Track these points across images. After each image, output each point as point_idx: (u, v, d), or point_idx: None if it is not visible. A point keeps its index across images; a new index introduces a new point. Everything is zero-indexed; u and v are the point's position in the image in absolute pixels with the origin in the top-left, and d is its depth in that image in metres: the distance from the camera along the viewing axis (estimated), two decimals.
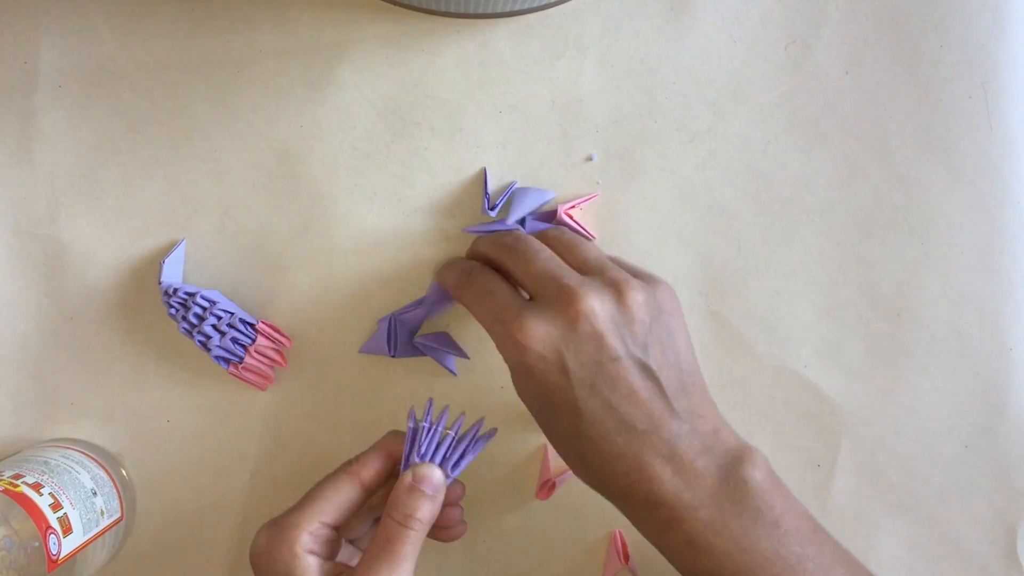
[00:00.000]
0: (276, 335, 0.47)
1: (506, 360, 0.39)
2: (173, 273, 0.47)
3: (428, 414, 0.41)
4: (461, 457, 0.40)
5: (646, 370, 0.38)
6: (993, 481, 0.48)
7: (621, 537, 0.47)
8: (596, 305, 0.38)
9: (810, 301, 0.48)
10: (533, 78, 0.48)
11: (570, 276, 0.39)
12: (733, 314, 0.48)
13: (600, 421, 0.37)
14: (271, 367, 0.47)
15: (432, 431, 0.40)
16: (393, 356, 0.47)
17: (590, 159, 0.48)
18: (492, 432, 0.42)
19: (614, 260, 0.42)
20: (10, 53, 0.48)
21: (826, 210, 0.48)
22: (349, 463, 0.41)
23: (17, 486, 0.40)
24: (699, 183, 0.48)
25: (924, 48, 0.48)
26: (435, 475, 0.39)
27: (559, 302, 0.38)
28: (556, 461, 0.47)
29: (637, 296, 0.38)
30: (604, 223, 0.48)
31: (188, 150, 0.48)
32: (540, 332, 0.37)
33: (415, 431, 0.40)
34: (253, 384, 0.47)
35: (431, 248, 0.48)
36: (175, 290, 0.45)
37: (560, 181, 0.48)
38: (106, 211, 0.48)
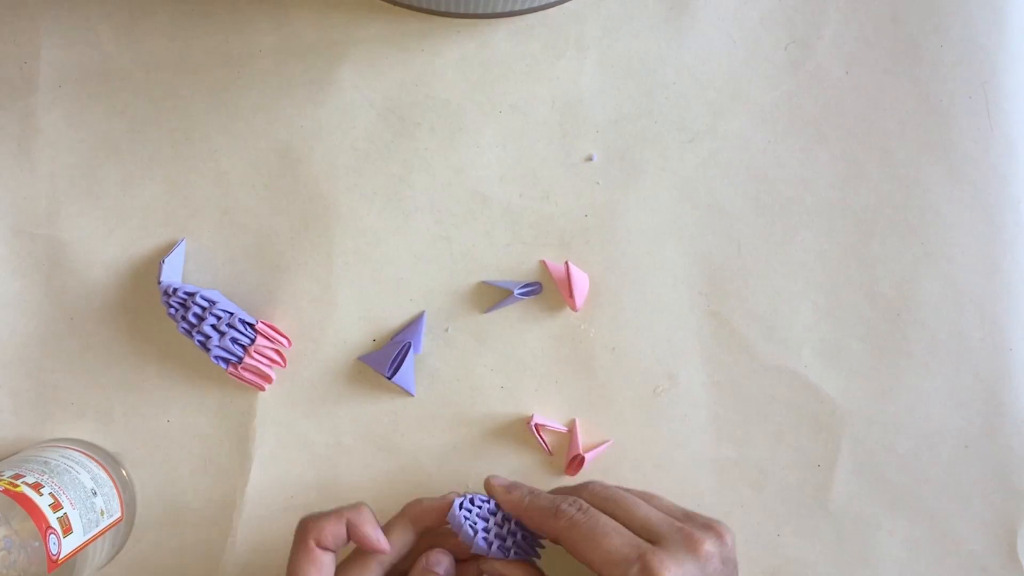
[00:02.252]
0: (275, 335, 0.47)
1: None
2: (173, 273, 0.47)
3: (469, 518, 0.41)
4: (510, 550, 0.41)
5: None
6: (993, 481, 0.48)
7: None
8: (712, 548, 0.39)
9: (810, 301, 0.48)
10: (533, 78, 0.48)
11: (678, 522, 0.40)
12: (733, 314, 0.48)
13: None
14: (271, 367, 0.47)
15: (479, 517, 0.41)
16: (388, 378, 0.46)
17: (590, 159, 0.48)
18: (533, 556, 0.43)
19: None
20: (10, 53, 0.48)
21: (826, 210, 0.48)
22: (304, 527, 0.40)
23: (17, 486, 0.40)
24: (699, 183, 0.48)
25: (924, 48, 0.48)
26: (446, 562, 0.41)
27: (685, 543, 0.38)
28: (584, 436, 0.47)
29: (728, 539, 0.40)
30: (604, 223, 0.48)
31: (188, 150, 0.48)
32: (680, 570, 0.37)
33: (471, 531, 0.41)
34: (252, 384, 0.47)
35: (431, 248, 0.48)
36: (175, 290, 0.45)
37: (560, 181, 0.48)
38: (106, 211, 0.48)
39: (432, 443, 0.48)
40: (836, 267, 0.48)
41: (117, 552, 0.47)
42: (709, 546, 0.39)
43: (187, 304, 0.45)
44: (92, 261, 0.48)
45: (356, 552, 0.41)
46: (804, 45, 0.48)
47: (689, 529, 0.39)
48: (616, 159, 0.48)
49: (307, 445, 0.48)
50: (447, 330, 0.48)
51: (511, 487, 0.42)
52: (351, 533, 0.40)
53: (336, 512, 0.40)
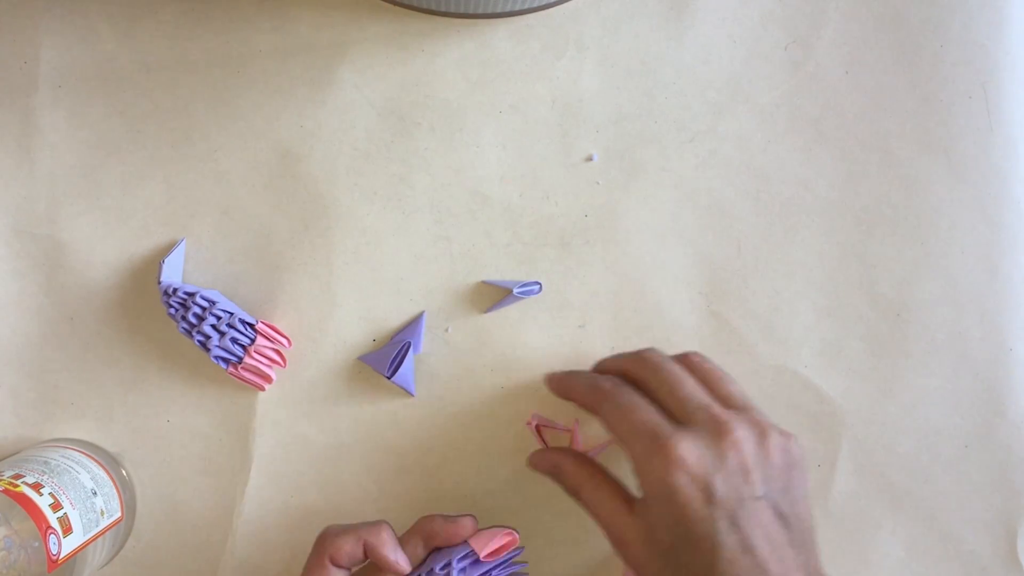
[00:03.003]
0: (275, 335, 0.47)
1: (645, 482, 0.38)
2: (173, 273, 0.47)
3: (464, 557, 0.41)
4: None
5: (782, 516, 0.37)
6: (993, 481, 0.48)
7: None
8: (745, 438, 0.37)
9: (810, 301, 0.48)
10: (533, 78, 0.48)
11: (719, 407, 0.39)
12: (733, 314, 0.48)
13: (736, 560, 0.35)
14: (271, 367, 0.47)
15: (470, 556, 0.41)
16: (388, 378, 0.46)
17: (590, 159, 0.48)
18: (522, 572, 0.43)
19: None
20: (10, 53, 0.48)
21: (826, 210, 0.48)
22: (322, 542, 0.40)
23: (17, 486, 0.40)
24: (699, 183, 0.48)
25: (924, 48, 0.48)
26: None
27: (711, 428, 0.37)
28: (585, 437, 0.47)
29: (778, 441, 0.38)
30: (604, 223, 0.48)
31: (188, 150, 0.48)
32: (694, 454, 0.36)
33: (465, 549, 0.41)
34: (252, 384, 0.47)
35: (431, 248, 0.48)
36: (175, 290, 0.45)
37: (560, 181, 0.48)
38: (106, 211, 0.48)
39: (432, 443, 0.48)
40: (836, 267, 0.48)
41: (117, 552, 0.47)
42: (741, 434, 0.37)
43: (187, 304, 0.45)
44: (92, 261, 0.48)
45: (371, 567, 0.41)
46: (804, 45, 0.48)
47: (723, 416, 0.38)
48: (616, 159, 0.48)
49: (307, 445, 0.48)
50: (447, 330, 0.48)
51: (568, 375, 0.44)
52: (368, 554, 0.40)
53: (355, 531, 0.40)
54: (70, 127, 0.48)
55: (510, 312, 0.48)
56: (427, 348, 0.48)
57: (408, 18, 0.48)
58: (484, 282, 0.48)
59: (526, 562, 0.43)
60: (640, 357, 0.42)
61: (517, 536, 0.42)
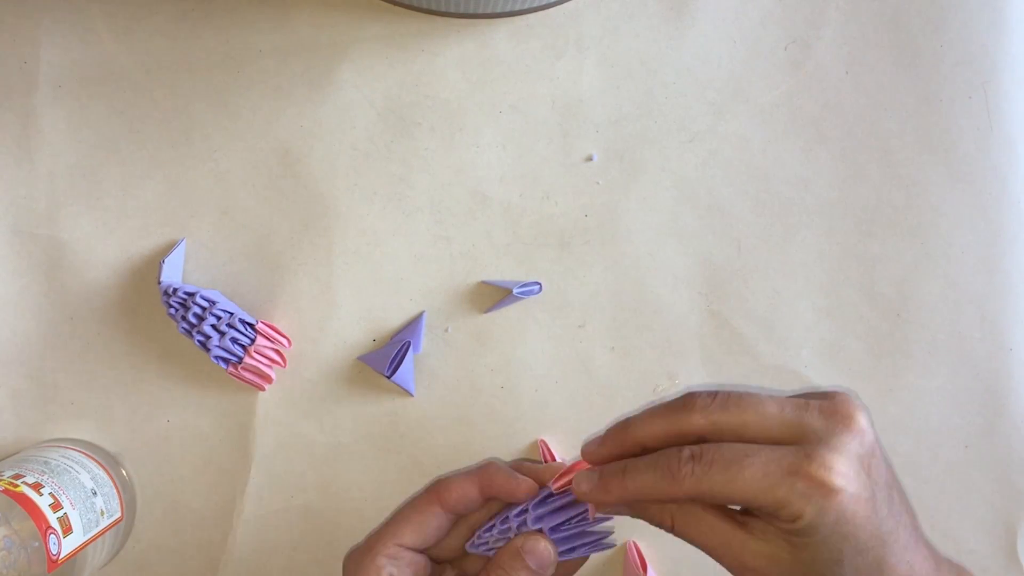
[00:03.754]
0: (275, 335, 0.47)
1: (798, 517, 0.31)
2: (173, 273, 0.47)
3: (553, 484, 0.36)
4: (573, 548, 0.36)
5: (902, 489, 0.33)
6: (993, 481, 0.48)
7: (637, 548, 0.47)
8: (864, 415, 0.32)
9: (810, 301, 0.48)
10: (533, 78, 0.48)
11: (813, 402, 0.33)
12: (733, 314, 0.48)
13: (904, 547, 0.32)
14: (271, 367, 0.47)
15: (558, 499, 0.36)
16: (388, 377, 0.46)
17: (590, 159, 0.48)
18: (610, 543, 0.37)
19: None
20: (10, 53, 0.48)
21: (826, 210, 0.48)
22: (435, 484, 0.37)
23: (17, 486, 0.40)
24: (699, 183, 0.48)
25: (924, 48, 0.48)
26: (545, 552, 0.36)
27: (839, 422, 0.32)
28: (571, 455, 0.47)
29: (857, 405, 0.33)
30: (604, 223, 0.48)
31: (188, 150, 0.48)
32: (845, 461, 0.31)
33: (546, 494, 0.36)
34: (252, 384, 0.47)
35: (431, 248, 0.48)
36: (175, 290, 0.45)
37: (560, 181, 0.48)
38: (106, 211, 0.48)
39: (432, 443, 0.48)
40: (836, 267, 0.48)
41: (117, 552, 0.47)
42: (862, 417, 0.32)
43: (187, 304, 0.45)
44: (92, 261, 0.48)
45: (423, 494, 0.38)
46: (804, 45, 0.48)
47: (832, 405, 0.32)
48: (616, 159, 0.48)
49: (307, 445, 0.48)
50: (447, 330, 0.48)
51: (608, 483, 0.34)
52: (486, 488, 0.37)
53: (466, 473, 0.37)
54: (70, 127, 0.48)
55: (510, 312, 0.48)
56: (427, 348, 0.48)
57: (408, 18, 0.48)
58: (484, 282, 0.48)
59: (612, 532, 0.38)
60: (689, 406, 0.34)
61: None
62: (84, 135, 0.48)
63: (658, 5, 0.48)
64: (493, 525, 0.37)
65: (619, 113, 0.48)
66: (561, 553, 0.36)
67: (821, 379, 0.48)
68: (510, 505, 0.37)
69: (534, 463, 0.38)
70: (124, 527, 0.46)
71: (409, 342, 0.46)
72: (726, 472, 0.31)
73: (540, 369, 0.48)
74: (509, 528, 0.36)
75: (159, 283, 0.46)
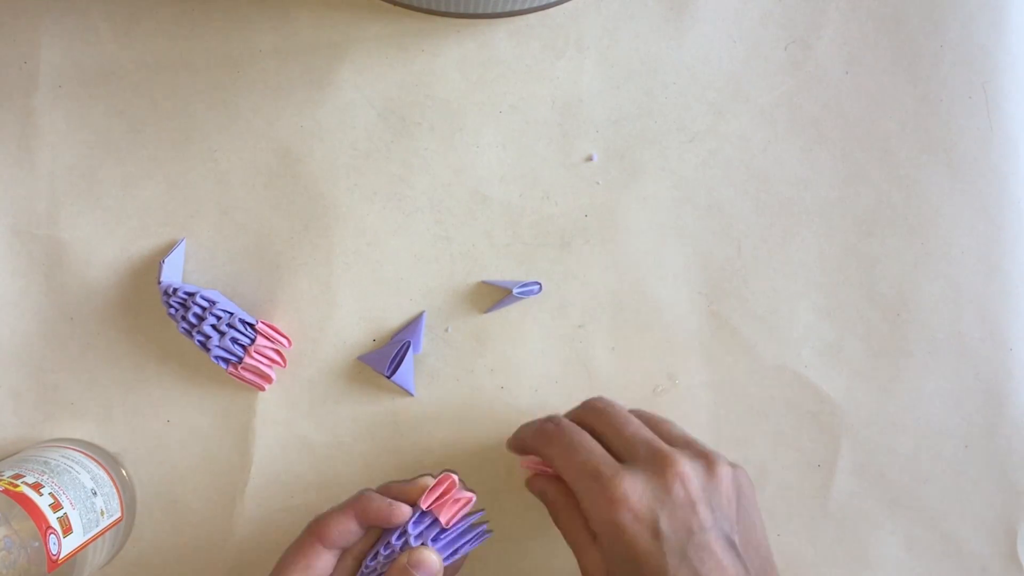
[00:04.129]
0: (275, 335, 0.47)
1: (593, 522, 0.38)
2: (173, 273, 0.47)
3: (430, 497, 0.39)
4: (456, 550, 0.39)
5: (733, 548, 0.37)
6: (993, 481, 0.48)
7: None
8: (690, 471, 0.37)
9: (810, 301, 0.48)
10: (533, 78, 0.48)
11: (662, 443, 0.39)
12: (733, 314, 0.48)
13: None
14: (271, 367, 0.47)
15: (429, 515, 0.39)
16: (388, 376, 0.46)
17: (590, 159, 0.48)
18: (486, 532, 0.41)
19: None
20: (10, 53, 0.48)
21: (826, 210, 0.48)
22: (313, 524, 0.39)
23: (17, 486, 0.40)
24: (699, 183, 0.48)
25: (924, 48, 0.48)
26: (431, 560, 0.38)
27: (655, 464, 0.38)
28: None
29: (726, 471, 0.38)
30: (604, 223, 0.48)
31: (188, 150, 0.48)
32: (637, 490, 0.37)
33: (420, 512, 0.39)
34: (252, 384, 0.47)
35: (431, 248, 0.48)
36: (175, 290, 0.45)
37: (560, 181, 0.48)
38: (106, 211, 0.48)
39: (432, 443, 0.48)
40: (836, 267, 0.48)
41: (117, 552, 0.47)
42: (684, 468, 0.37)
43: (187, 304, 0.45)
44: (92, 261, 0.48)
45: (304, 536, 0.40)
46: (804, 45, 0.48)
47: (665, 450, 0.38)
48: (616, 159, 0.48)
49: (307, 445, 0.48)
50: (447, 330, 0.48)
51: (514, 435, 0.44)
52: (362, 518, 0.39)
53: (338, 508, 0.39)
54: (70, 127, 0.48)
55: (510, 312, 0.48)
56: (427, 348, 0.48)
57: (408, 18, 0.48)
58: (484, 282, 0.48)
59: (487, 521, 0.41)
60: (587, 404, 0.43)
61: (474, 497, 0.40)
62: (84, 135, 0.48)
63: (658, 5, 0.48)
64: (377, 552, 0.39)
65: (619, 113, 0.48)
66: (446, 558, 0.39)
67: (821, 379, 0.48)
68: (389, 530, 0.39)
69: (402, 482, 0.41)
70: (124, 527, 0.46)
71: (409, 342, 0.46)
72: (564, 449, 0.39)
73: (540, 369, 0.48)
74: (393, 552, 0.39)
75: (159, 283, 0.46)
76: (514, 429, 0.48)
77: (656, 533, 0.36)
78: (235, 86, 0.48)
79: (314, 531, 0.39)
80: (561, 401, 0.48)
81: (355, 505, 0.39)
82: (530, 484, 0.43)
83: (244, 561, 0.48)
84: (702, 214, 0.48)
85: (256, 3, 0.48)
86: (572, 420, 0.43)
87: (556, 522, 0.41)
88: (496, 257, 0.48)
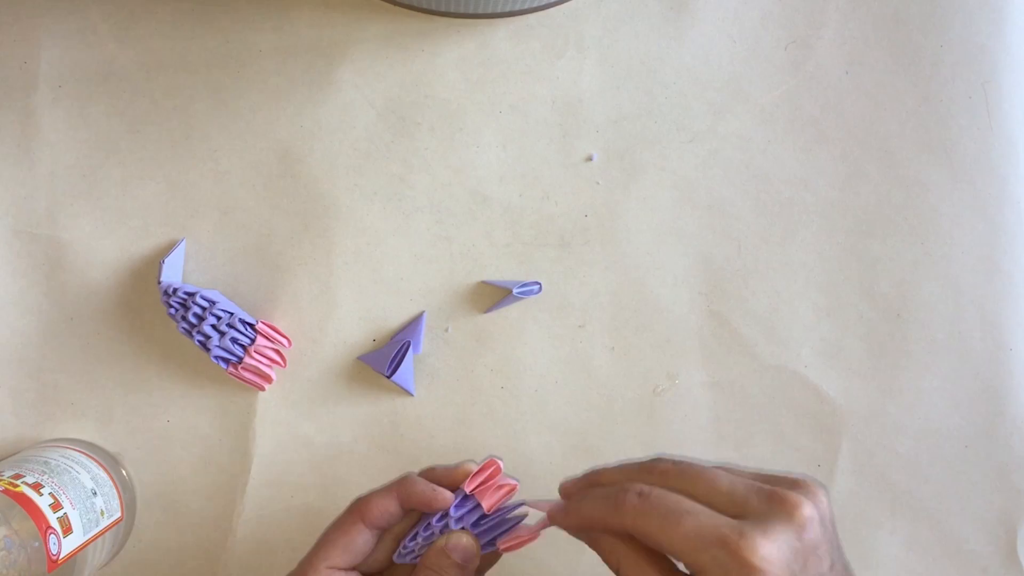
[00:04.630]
0: (275, 335, 0.47)
1: None
2: (173, 273, 0.47)
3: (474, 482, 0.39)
4: (494, 538, 0.39)
5: (848, 573, 0.34)
6: (993, 481, 0.48)
7: None
8: (811, 513, 0.33)
9: (810, 301, 0.48)
10: (533, 78, 0.48)
11: (764, 484, 0.34)
12: (733, 314, 0.48)
13: None
14: (271, 367, 0.47)
15: (474, 499, 0.39)
16: (388, 376, 0.46)
17: (590, 159, 0.48)
18: (521, 518, 0.40)
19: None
20: (10, 53, 0.48)
21: (826, 210, 0.48)
22: (356, 503, 0.40)
23: (17, 486, 0.40)
24: (699, 183, 0.48)
25: (924, 48, 0.48)
26: (468, 545, 0.38)
27: (780, 511, 0.32)
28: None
29: (823, 498, 0.34)
30: (604, 223, 0.48)
31: (188, 150, 0.48)
32: (775, 551, 0.31)
33: (463, 496, 0.39)
34: (252, 384, 0.47)
35: (431, 248, 0.48)
36: (175, 290, 0.45)
37: (560, 181, 0.48)
38: (106, 211, 0.48)
39: (432, 443, 0.48)
40: (836, 267, 0.48)
41: (117, 552, 0.47)
42: (808, 510, 0.33)
43: (187, 304, 0.45)
44: (92, 261, 0.48)
45: (346, 514, 0.40)
46: (804, 45, 0.48)
47: (780, 493, 0.33)
48: (616, 159, 0.48)
49: (307, 445, 0.48)
50: (447, 330, 0.48)
51: (565, 508, 0.37)
52: (405, 501, 0.39)
53: (384, 488, 0.40)
54: (70, 127, 0.48)
55: (510, 312, 0.48)
56: (427, 348, 0.48)
57: (408, 18, 0.48)
58: (484, 282, 0.48)
59: (523, 502, 0.40)
60: (651, 468, 0.36)
61: (518, 485, 0.39)
62: (84, 135, 0.48)
63: (658, 5, 0.48)
64: (417, 533, 0.39)
65: (619, 113, 0.48)
66: (484, 545, 0.39)
67: (821, 379, 0.48)
68: (429, 514, 0.39)
69: (446, 467, 0.41)
70: (124, 527, 0.46)
71: (409, 342, 0.46)
72: (663, 519, 0.33)
73: (540, 369, 0.48)
74: (432, 534, 0.39)
75: (159, 283, 0.46)
76: (514, 429, 0.48)
77: None
78: (235, 86, 0.48)
79: (357, 510, 0.39)
80: (561, 401, 0.48)
81: (399, 487, 0.40)
82: (564, 520, 0.37)
83: (244, 561, 0.48)
84: (702, 214, 0.48)
85: (256, 3, 0.48)
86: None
87: (623, 573, 0.35)
88: (496, 257, 0.48)
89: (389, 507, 0.39)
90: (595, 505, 0.35)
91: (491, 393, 0.48)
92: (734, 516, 0.33)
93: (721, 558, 0.31)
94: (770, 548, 0.31)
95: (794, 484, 0.34)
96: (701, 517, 0.33)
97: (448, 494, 0.39)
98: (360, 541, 0.39)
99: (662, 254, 0.48)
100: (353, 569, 0.39)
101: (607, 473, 0.38)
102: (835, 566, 0.33)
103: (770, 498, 0.33)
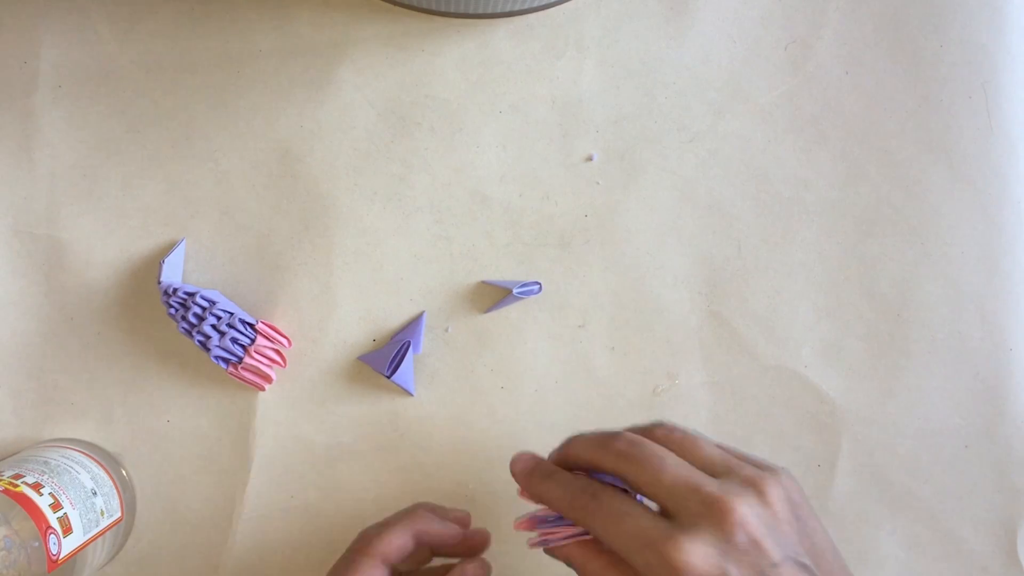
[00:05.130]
0: (275, 335, 0.47)
1: None
2: (173, 273, 0.47)
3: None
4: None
5: (806, 570, 0.34)
6: (993, 481, 0.48)
7: None
8: (747, 511, 0.34)
9: (810, 301, 0.48)
10: (533, 78, 0.48)
11: (709, 483, 0.35)
12: (733, 314, 0.48)
13: None
14: (271, 367, 0.47)
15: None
16: (387, 377, 0.46)
17: (590, 159, 0.48)
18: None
19: (722, 448, 0.39)
20: (10, 53, 0.48)
21: (826, 210, 0.48)
22: (368, 542, 0.39)
23: (17, 486, 0.40)
24: (699, 183, 0.48)
25: (924, 48, 0.48)
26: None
27: (709, 515, 0.34)
28: None
29: (777, 492, 0.36)
30: (604, 223, 0.48)
31: (188, 150, 0.48)
32: (700, 554, 0.33)
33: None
34: (252, 384, 0.47)
35: (431, 248, 0.48)
36: (175, 290, 0.45)
37: (560, 181, 0.48)
38: (106, 211, 0.48)
39: (432, 443, 0.48)
40: (836, 267, 0.48)
41: (117, 552, 0.47)
42: (742, 509, 0.34)
43: (187, 304, 0.45)
44: (92, 261, 0.48)
45: (354, 550, 0.40)
46: (804, 45, 0.48)
47: (715, 495, 0.35)
48: (616, 159, 0.48)
49: (307, 445, 0.48)
50: (447, 330, 0.48)
51: (544, 475, 0.39)
52: (421, 539, 0.40)
53: (397, 524, 0.40)
54: (70, 127, 0.48)
55: (510, 312, 0.48)
56: (427, 348, 0.48)
57: (408, 18, 0.48)
58: (484, 282, 0.48)
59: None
60: (609, 448, 0.38)
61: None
62: (84, 135, 0.48)
63: (658, 5, 0.48)
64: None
65: (619, 113, 0.48)
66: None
67: (821, 379, 0.48)
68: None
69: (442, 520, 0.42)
70: (124, 527, 0.46)
71: (409, 342, 0.46)
72: (606, 521, 0.36)
73: (540, 369, 0.48)
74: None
75: (159, 283, 0.46)
76: (514, 429, 0.48)
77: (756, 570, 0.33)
78: (235, 86, 0.48)
79: (373, 551, 0.39)
80: (561, 401, 0.48)
81: (413, 523, 0.41)
82: (557, 552, 0.39)
83: (244, 561, 0.48)
84: (702, 214, 0.48)
85: (256, 3, 0.48)
86: (592, 463, 0.39)
87: None
88: (496, 257, 0.48)
89: (407, 545, 0.40)
90: (557, 487, 0.38)
91: (491, 393, 0.48)
92: (673, 514, 0.35)
93: (651, 560, 0.34)
94: (693, 551, 0.33)
95: (747, 482, 0.36)
96: (637, 520, 0.35)
97: (458, 529, 0.41)
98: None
99: (662, 254, 0.48)
100: None
101: (573, 443, 0.40)
102: (787, 562, 0.34)
103: (704, 504, 0.35)
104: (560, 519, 0.39)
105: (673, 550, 0.33)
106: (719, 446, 0.39)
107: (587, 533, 0.38)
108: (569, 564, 0.38)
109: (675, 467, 0.36)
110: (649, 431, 0.39)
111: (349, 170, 0.48)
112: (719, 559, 0.33)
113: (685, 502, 0.35)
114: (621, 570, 0.36)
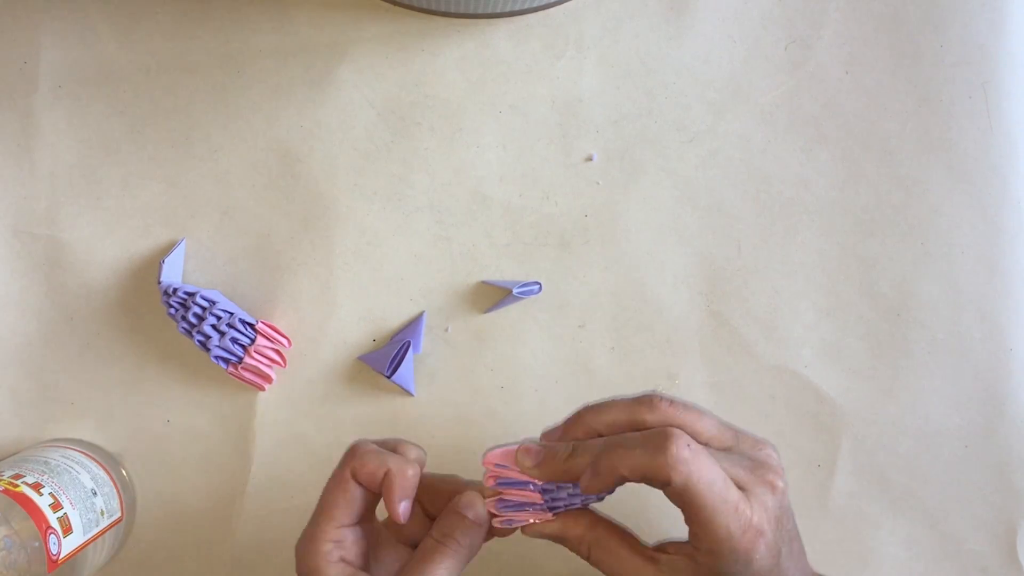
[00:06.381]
0: (275, 335, 0.47)
1: (716, 542, 0.35)
2: (173, 273, 0.47)
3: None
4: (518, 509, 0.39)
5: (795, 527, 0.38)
6: (993, 481, 0.48)
7: None
8: (783, 481, 0.37)
9: (810, 301, 0.48)
10: (533, 78, 0.48)
11: (750, 446, 0.38)
12: (733, 314, 0.48)
13: None
14: (271, 367, 0.47)
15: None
16: (387, 376, 0.46)
17: (590, 159, 0.48)
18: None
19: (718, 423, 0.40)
20: (10, 53, 0.48)
21: (826, 210, 0.48)
22: (352, 457, 0.38)
23: (17, 486, 0.40)
24: (699, 183, 0.48)
25: (924, 48, 0.48)
26: (479, 505, 0.38)
27: (765, 479, 0.36)
28: None
29: (781, 464, 0.38)
30: (604, 223, 0.48)
31: (188, 150, 0.48)
32: (763, 515, 0.35)
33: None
34: (252, 384, 0.47)
35: (431, 248, 0.48)
36: (175, 290, 0.45)
37: (560, 181, 0.48)
38: (106, 211, 0.48)
39: (432, 443, 0.48)
40: (836, 267, 0.48)
41: (117, 552, 0.47)
42: (780, 482, 0.37)
43: (187, 304, 0.45)
44: (92, 261, 0.48)
45: (343, 469, 0.39)
46: (804, 45, 0.48)
47: (760, 459, 0.37)
48: (616, 159, 0.48)
49: (307, 445, 0.48)
50: (447, 330, 0.48)
51: (543, 451, 0.38)
52: (379, 485, 0.38)
53: (385, 455, 0.38)
54: (70, 127, 0.48)
55: (510, 312, 0.48)
56: (427, 348, 0.48)
57: (408, 18, 0.48)
58: (484, 282, 0.48)
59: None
60: (654, 405, 0.38)
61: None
62: (84, 135, 0.48)
63: (658, 5, 0.48)
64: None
65: (619, 113, 0.48)
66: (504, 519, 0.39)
67: (821, 379, 0.48)
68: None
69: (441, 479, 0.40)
70: (124, 527, 0.46)
71: (409, 342, 0.46)
72: (707, 464, 0.35)
73: (540, 369, 0.48)
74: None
75: (159, 283, 0.46)
76: (514, 429, 0.48)
77: (778, 552, 0.36)
78: (235, 86, 0.48)
79: (352, 465, 0.38)
80: (561, 401, 0.48)
81: (392, 462, 0.38)
82: (535, 532, 0.39)
83: (244, 561, 0.48)
84: (702, 214, 0.48)
85: (256, 3, 0.48)
86: (639, 422, 0.38)
87: (594, 558, 0.38)
88: (496, 257, 0.48)
89: (378, 474, 0.38)
90: (576, 462, 0.37)
91: (491, 393, 0.48)
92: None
93: (727, 510, 0.35)
94: (763, 517, 0.35)
95: (760, 447, 0.38)
96: (718, 466, 0.35)
97: (409, 464, 0.38)
98: (359, 495, 0.38)
99: (662, 254, 0.48)
100: (356, 524, 0.38)
101: (591, 415, 0.39)
102: (793, 521, 0.38)
103: (754, 464, 0.37)
104: (522, 505, 0.39)
105: (745, 503, 0.35)
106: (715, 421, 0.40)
107: (547, 509, 0.38)
108: (555, 540, 0.39)
109: (715, 422, 0.38)
110: (646, 402, 0.39)
111: (349, 170, 0.48)
112: (774, 520, 0.36)
113: (742, 462, 0.37)
114: (605, 526, 0.38)
